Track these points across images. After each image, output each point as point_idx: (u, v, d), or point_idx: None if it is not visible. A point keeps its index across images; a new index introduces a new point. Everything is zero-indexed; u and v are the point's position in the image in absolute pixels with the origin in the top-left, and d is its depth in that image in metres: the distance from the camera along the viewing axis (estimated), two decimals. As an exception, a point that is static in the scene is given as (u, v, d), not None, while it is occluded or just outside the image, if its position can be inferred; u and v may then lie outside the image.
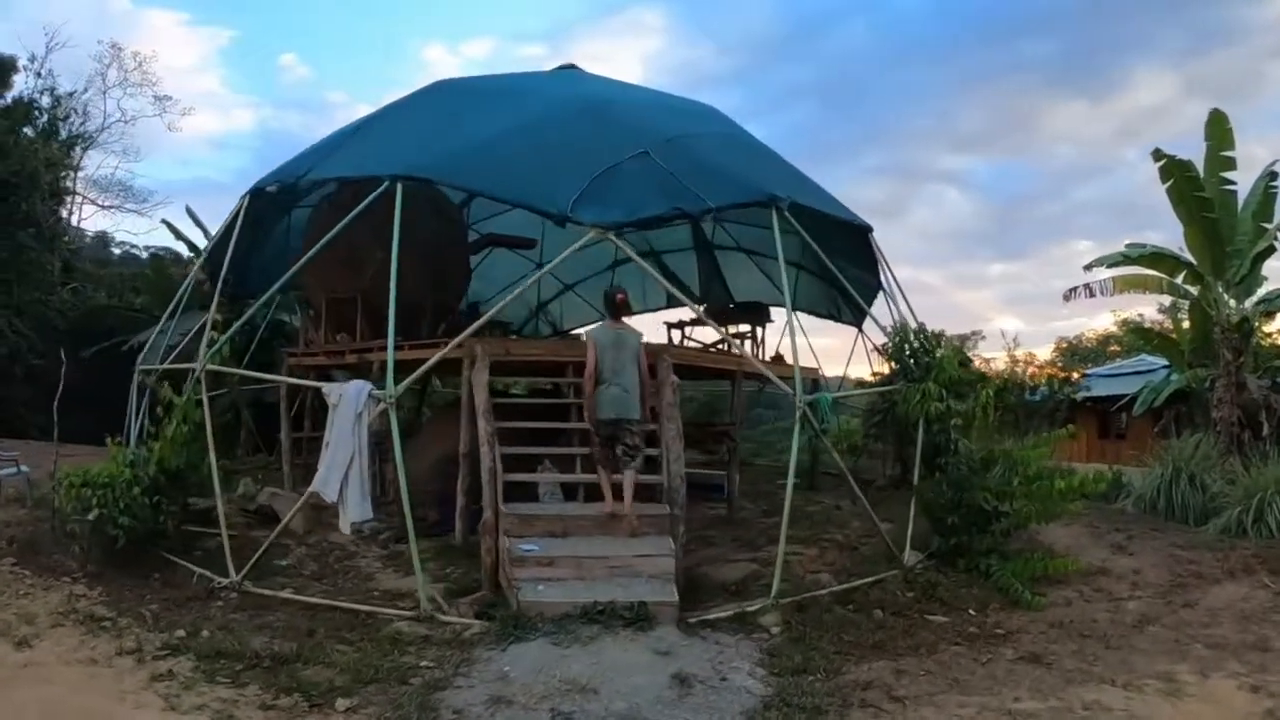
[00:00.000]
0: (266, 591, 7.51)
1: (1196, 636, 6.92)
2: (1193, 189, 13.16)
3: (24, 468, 10.38)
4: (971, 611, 7.53)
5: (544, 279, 16.94)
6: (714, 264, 15.24)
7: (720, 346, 12.74)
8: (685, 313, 15.22)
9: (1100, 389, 24.02)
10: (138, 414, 10.50)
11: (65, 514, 8.37)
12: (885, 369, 10.20)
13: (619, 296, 7.86)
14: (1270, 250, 13.54)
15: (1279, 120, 64.84)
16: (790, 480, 7.59)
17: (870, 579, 8.10)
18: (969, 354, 16.39)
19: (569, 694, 5.41)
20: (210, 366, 8.49)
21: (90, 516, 8.01)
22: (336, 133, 10.75)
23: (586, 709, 5.24)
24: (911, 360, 9.04)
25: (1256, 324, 14.61)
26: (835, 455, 8.77)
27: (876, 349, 9.72)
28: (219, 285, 9.28)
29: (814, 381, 13.71)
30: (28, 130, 17.88)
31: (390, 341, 7.31)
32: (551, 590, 6.76)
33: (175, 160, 53.10)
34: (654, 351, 8.67)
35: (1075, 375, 24.40)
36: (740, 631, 6.73)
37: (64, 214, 19.76)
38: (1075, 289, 15.37)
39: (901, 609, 7.47)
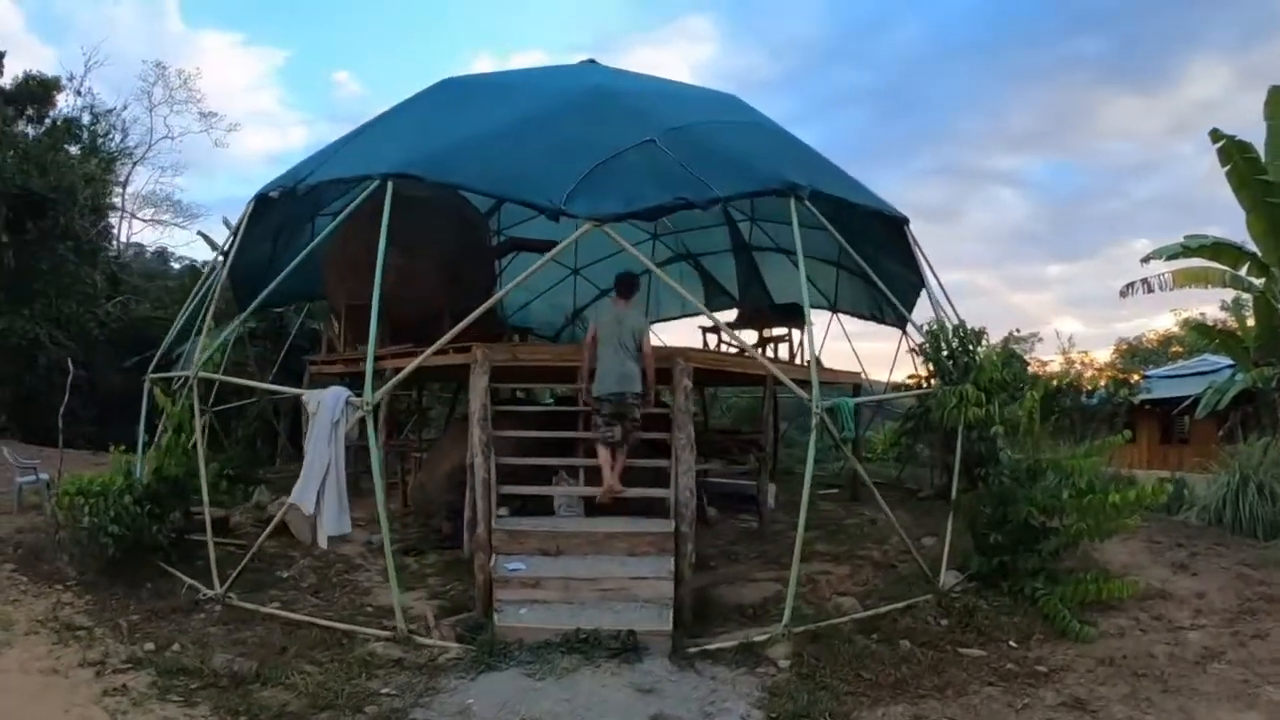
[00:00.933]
0: (249, 605, 7.15)
1: (1268, 676, 6.03)
2: (1255, 172, 12.16)
3: (43, 475, 10.36)
4: (1011, 644, 6.71)
5: (579, 284, 16.63)
6: (752, 265, 14.57)
7: (756, 350, 12.09)
8: (723, 316, 14.65)
9: (1161, 391, 22.53)
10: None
11: (59, 522, 8.22)
12: (925, 371, 9.43)
13: (627, 278, 7.75)
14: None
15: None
16: (806, 491, 6.86)
17: (900, 604, 7.31)
18: (1023, 355, 15.36)
19: (530, 734, 4.88)
20: (202, 374, 8.15)
21: (82, 525, 7.86)
22: (342, 137, 10.44)
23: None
24: (949, 361, 8.25)
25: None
26: (856, 464, 8.00)
27: (912, 350, 8.93)
28: (209, 292, 8.89)
29: (855, 387, 12.96)
30: (72, 148, 18.31)
31: (370, 347, 6.87)
32: (534, 614, 6.21)
33: (235, 178, 54.49)
34: (669, 355, 8.09)
35: (1135, 377, 22.84)
36: (743, 665, 6.04)
37: (112, 228, 20.33)
38: (1132, 285, 14.38)
39: (932, 640, 6.68)
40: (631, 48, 74.84)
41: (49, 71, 19.55)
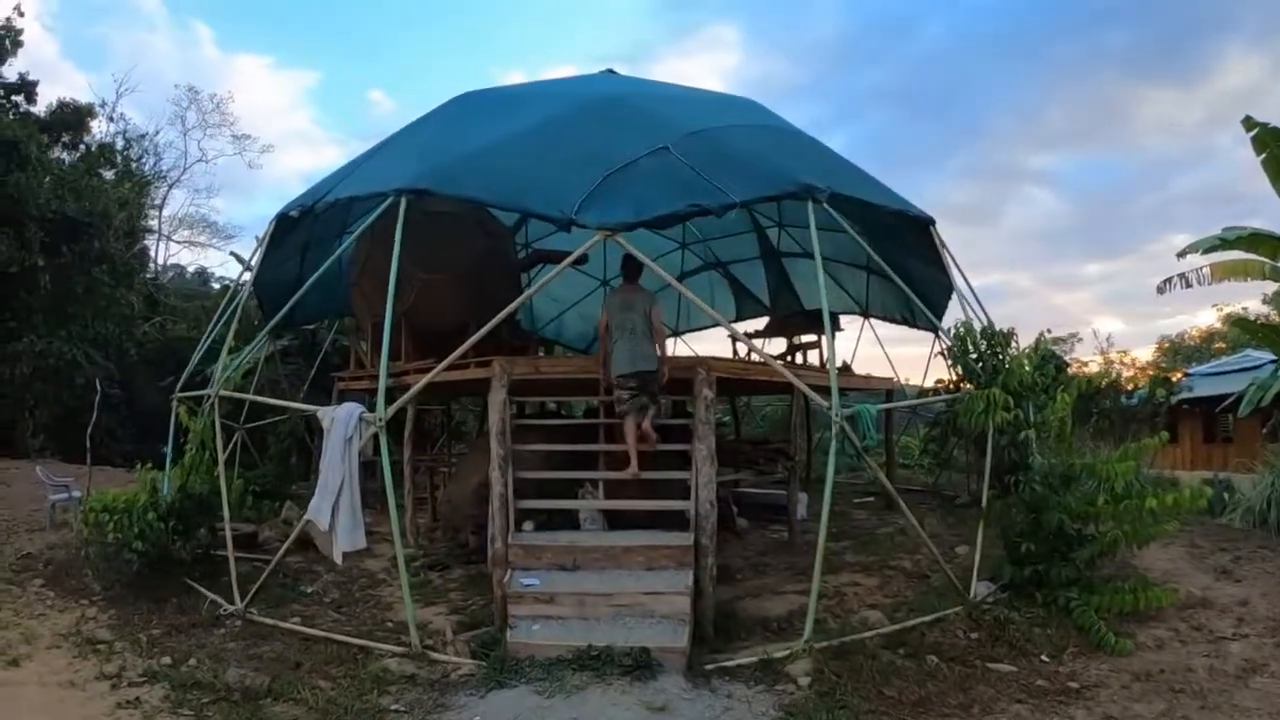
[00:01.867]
0: (268, 621, 7.20)
1: (1315, 690, 5.73)
2: (1292, 160, 11.62)
3: (75, 493, 10.57)
4: (1044, 658, 6.48)
5: (606, 295, 16.62)
6: (782, 272, 14.44)
7: (785, 358, 11.95)
8: (754, 324, 14.56)
9: (1203, 389, 21.79)
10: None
11: (85, 539, 8.36)
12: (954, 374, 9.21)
13: (631, 261, 8.03)
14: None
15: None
16: (827, 501, 6.68)
17: (929, 617, 7.11)
18: (1061, 355, 14.90)
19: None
20: (224, 393, 8.25)
21: (107, 542, 8.01)
22: (361, 154, 10.54)
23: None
24: (978, 363, 8.05)
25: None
26: (879, 472, 7.79)
27: (941, 353, 8.74)
28: (233, 311, 9.01)
29: (888, 392, 12.75)
30: (107, 173, 18.82)
31: (384, 362, 6.88)
32: (546, 630, 6.13)
33: (271, 198, 55.69)
34: (691, 365, 8.01)
35: (1176, 375, 22.12)
36: (762, 682, 5.87)
37: (149, 250, 20.79)
38: (1170, 280, 13.91)
39: (960, 654, 6.46)
40: (660, 59, 75.27)
41: (83, 98, 20.18)
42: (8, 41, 17.37)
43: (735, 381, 8.97)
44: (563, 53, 76.86)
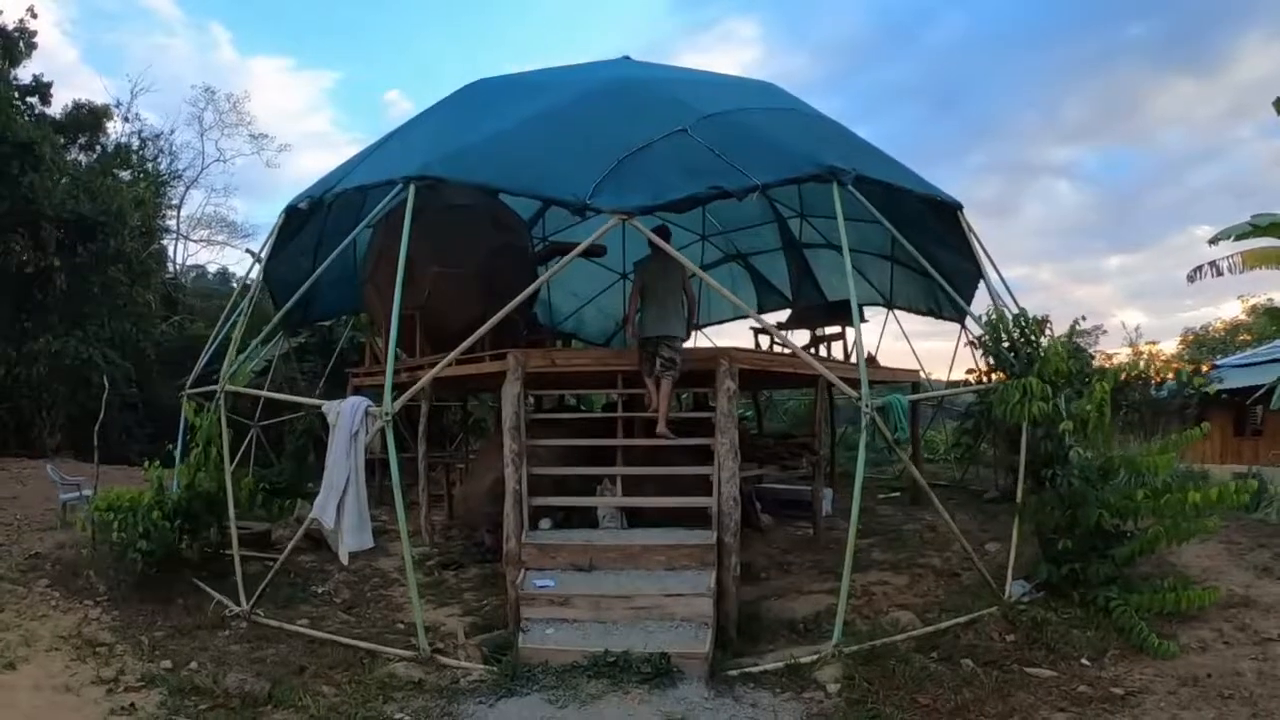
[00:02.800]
0: (273, 623, 6.96)
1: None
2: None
3: (86, 492, 10.40)
4: (1084, 662, 6.12)
5: (629, 288, 16.27)
6: (804, 263, 14.07)
7: (812, 349, 11.59)
8: (776, 317, 14.17)
9: (1232, 380, 21.01)
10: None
11: (90, 538, 8.17)
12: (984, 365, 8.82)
13: (664, 230, 8.13)
14: None
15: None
16: (857, 497, 6.34)
17: (962, 618, 6.75)
18: (1087, 348, 14.39)
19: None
20: (230, 388, 8.03)
21: (113, 541, 7.80)
22: (372, 144, 10.30)
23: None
24: (1011, 353, 7.67)
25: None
26: (912, 467, 7.43)
27: (971, 343, 8.35)
28: (243, 307, 8.79)
29: (914, 385, 12.37)
30: (124, 174, 18.71)
31: (390, 355, 6.62)
32: (561, 634, 5.85)
33: (290, 197, 55.46)
34: (713, 356, 7.70)
35: (1204, 367, 21.43)
36: (789, 689, 5.55)
37: (167, 250, 20.72)
38: (1200, 269, 13.53)
39: (997, 658, 6.12)
40: (677, 55, 75.19)
41: (101, 101, 20.01)
42: (21, 43, 17.27)
43: (758, 374, 8.64)
44: (579, 50, 76.88)
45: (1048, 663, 6.15)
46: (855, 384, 6.52)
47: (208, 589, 7.81)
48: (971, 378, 8.90)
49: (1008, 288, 9.06)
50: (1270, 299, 30.47)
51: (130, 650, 6.51)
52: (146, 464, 8.81)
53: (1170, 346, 38.42)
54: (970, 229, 9.37)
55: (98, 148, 19.18)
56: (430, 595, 7.90)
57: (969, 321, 10.26)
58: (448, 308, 10.47)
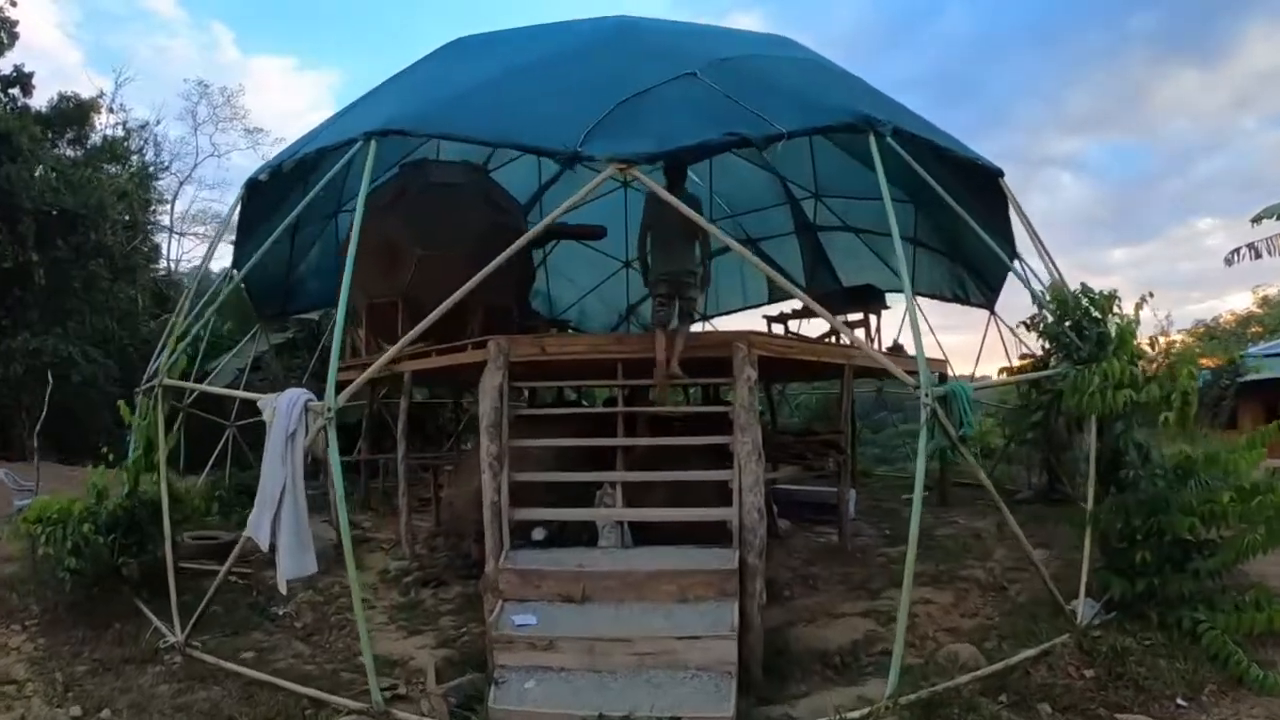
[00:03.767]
0: (209, 659, 5.65)
1: None
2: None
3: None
4: (1180, 702, 4.89)
5: (632, 276, 14.90)
6: (818, 247, 12.75)
7: (829, 338, 10.24)
8: (787, 306, 12.83)
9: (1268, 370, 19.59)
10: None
11: (16, 555, 6.91)
12: (1031, 351, 7.51)
13: (677, 169, 6.62)
14: None
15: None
16: (917, 504, 5.03)
17: (1032, 650, 5.44)
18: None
19: None
20: (169, 381, 6.75)
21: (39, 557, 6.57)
22: (344, 108, 9.01)
23: None
24: (1074, 334, 6.34)
25: None
26: (978, 467, 6.05)
27: (1024, 323, 7.00)
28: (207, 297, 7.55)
29: (940, 376, 11.01)
30: (112, 168, 17.53)
31: (336, 342, 5.31)
32: (545, 689, 4.50)
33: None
34: (729, 340, 6.39)
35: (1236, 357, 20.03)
36: (833, 751, 4.25)
37: (163, 246, 19.54)
38: (1238, 251, 12.24)
39: (1079, 701, 4.87)
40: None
41: (88, 96, 18.79)
42: (3, 34, 16.07)
43: (777, 363, 7.28)
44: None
45: (1138, 704, 4.92)
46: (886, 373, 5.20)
47: (149, 613, 6.53)
48: (1027, 363, 7.58)
49: (1054, 264, 7.67)
50: (1280, 289, 29.23)
51: (42, 690, 5.34)
52: (94, 466, 7.59)
53: (1178, 339, 37.13)
54: (1013, 199, 8.03)
55: (86, 142, 17.96)
56: (402, 620, 6.61)
57: (1006, 306, 8.92)
58: (434, 293, 9.14)
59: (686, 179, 6.39)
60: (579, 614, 4.89)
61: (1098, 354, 6.11)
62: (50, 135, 17.20)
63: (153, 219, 18.44)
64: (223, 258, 16.29)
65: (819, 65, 7.50)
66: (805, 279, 13.17)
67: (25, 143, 14.30)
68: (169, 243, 22.79)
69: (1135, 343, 6.08)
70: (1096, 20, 69.93)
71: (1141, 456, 6.14)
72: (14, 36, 16.33)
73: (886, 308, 10.67)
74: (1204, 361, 18.98)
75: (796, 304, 12.42)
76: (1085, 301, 6.42)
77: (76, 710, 4.97)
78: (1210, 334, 36.77)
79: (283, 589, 5.11)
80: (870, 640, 6.00)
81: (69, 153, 17.64)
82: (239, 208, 8.35)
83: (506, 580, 5.00)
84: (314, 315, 13.50)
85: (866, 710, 4.48)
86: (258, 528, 4.85)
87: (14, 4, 16.28)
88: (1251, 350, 23.39)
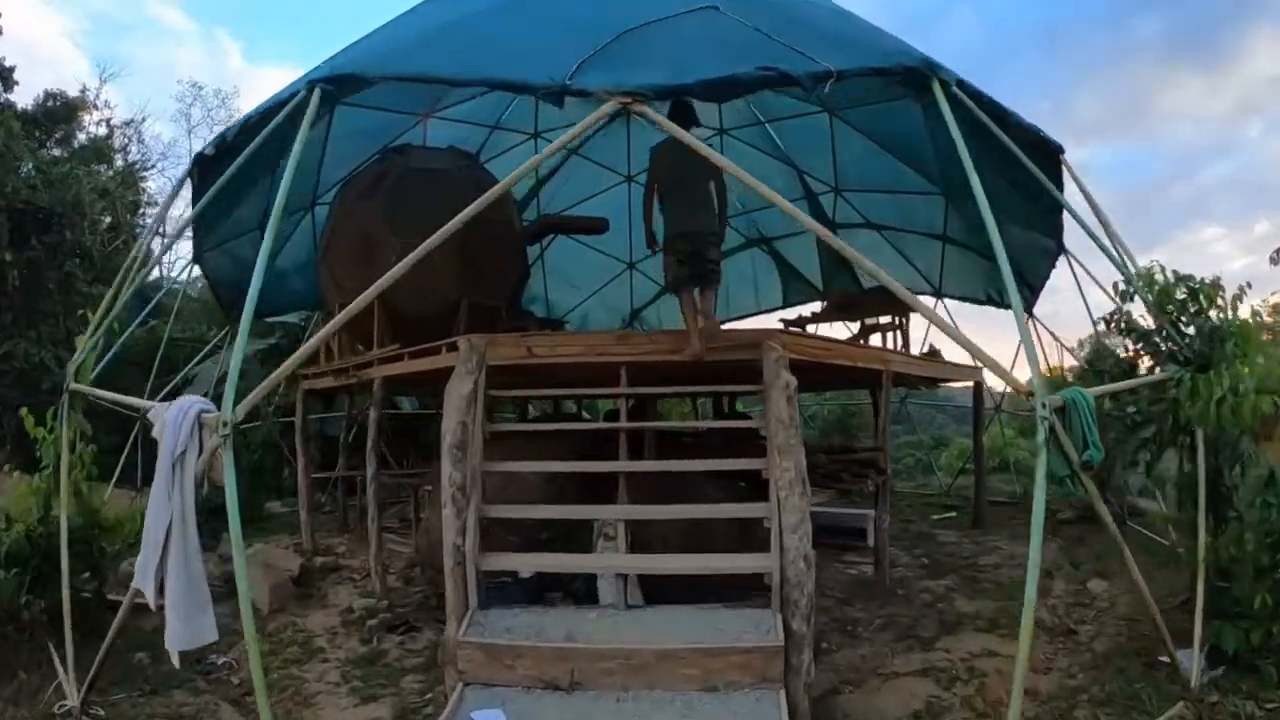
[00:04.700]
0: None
1: None
2: None
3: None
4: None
5: (636, 279, 13.51)
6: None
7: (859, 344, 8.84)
8: (806, 309, 11.47)
9: None
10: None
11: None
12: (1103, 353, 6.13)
13: (686, 100, 5.49)
14: None
15: None
16: (1035, 558, 3.63)
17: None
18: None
19: None
20: (76, 386, 5.42)
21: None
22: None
23: None
24: (1175, 330, 4.97)
25: None
26: (1096, 497, 4.57)
27: (1108, 319, 5.60)
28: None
29: (977, 385, 9.64)
30: (101, 167, 16.27)
31: (240, 344, 3.94)
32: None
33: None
34: (757, 340, 5.03)
35: None
36: None
37: (155, 250, 18.10)
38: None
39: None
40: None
41: (118, 115, 17.61)
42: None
43: (807, 369, 5.88)
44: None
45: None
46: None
47: (58, 663, 5.16)
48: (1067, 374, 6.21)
49: (1129, 254, 6.23)
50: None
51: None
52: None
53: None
54: (1077, 178, 6.69)
55: (74, 141, 16.69)
56: (357, 679, 5.24)
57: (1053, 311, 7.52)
58: (416, 290, 7.85)
59: (696, 124, 5.07)
60: (565, 708, 3.47)
61: (1208, 354, 4.73)
62: (38, 134, 15.98)
63: (141, 222, 17.11)
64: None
65: (853, 15, 6.12)
66: (823, 281, 11.83)
67: (1, 137, 13.00)
68: (164, 247, 21.44)
69: (1264, 338, 4.70)
70: (1101, 26, 68.67)
71: (1263, 479, 4.77)
72: (-4, 29, 15.03)
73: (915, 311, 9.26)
74: None
75: (815, 306, 11.11)
76: (1183, 292, 5.03)
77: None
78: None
79: (175, 661, 3.72)
80: (935, 711, 4.65)
81: (56, 152, 16.37)
82: (191, 190, 6.99)
83: (469, 658, 3.60)
84: (294, 319, 12.13)
85: None
86: (144, 575, 3.48)
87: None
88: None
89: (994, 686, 5.01)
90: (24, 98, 15.83)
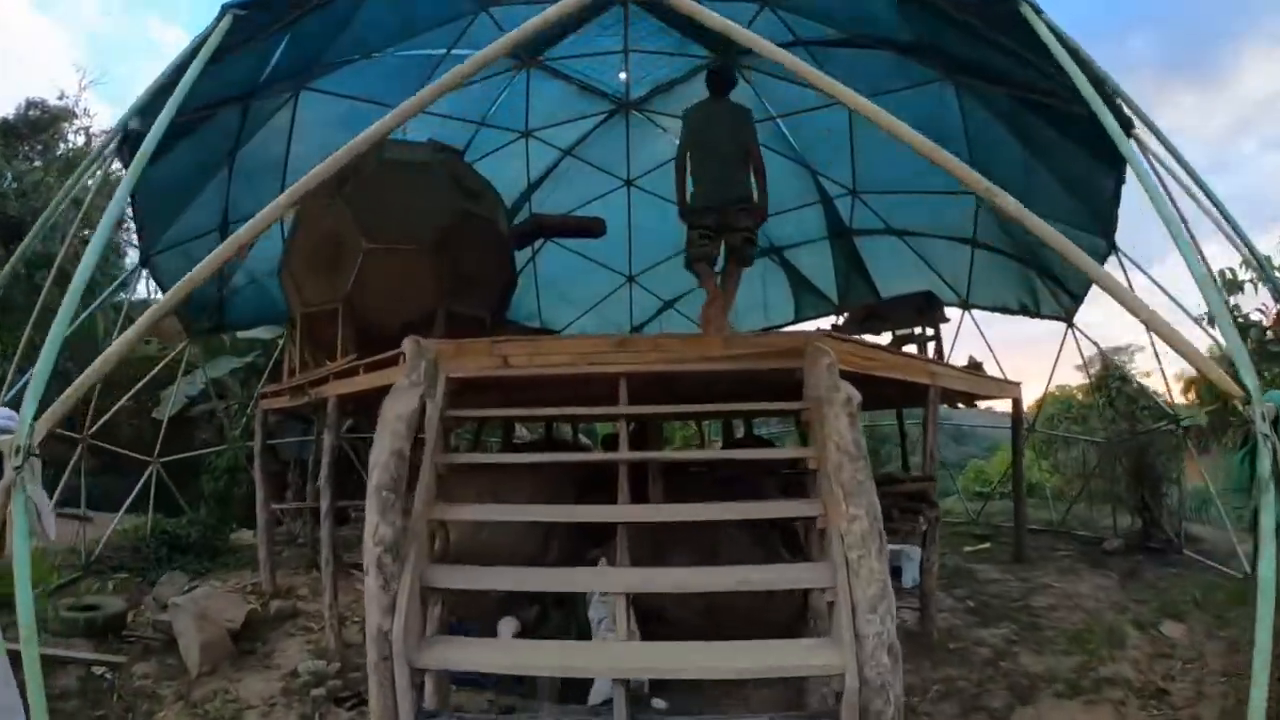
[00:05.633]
0: None
1: None
2: None
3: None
4: None
5: (636, 294, 12.28)
6: (854, 255, 10.17)
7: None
8: (825, 323, 10.26)
9: None
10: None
11: None
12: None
13: (722, 70, 5.45)
14: None
15: None
16: (1267, 627, 2.38)
17: None
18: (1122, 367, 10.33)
19: None
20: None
21: None
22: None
23: None
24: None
25: None
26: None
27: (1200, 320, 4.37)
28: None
29: (1014, 402, 8.38)
30: (90, 180, 15.17)
31: (49, 356, 2.75)
32: None
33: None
34: (799, 345, 3.75)
35: None
36: None
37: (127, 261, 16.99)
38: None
39: None
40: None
41: (99, 124, 16.42)
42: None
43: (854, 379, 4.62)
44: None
45: None
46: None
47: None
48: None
49: (1253, 249, 4.96)
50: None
51: None
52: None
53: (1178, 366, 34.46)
54: (1151, 153, 5.48)
55: (56, 151, 15.54)
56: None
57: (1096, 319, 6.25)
58: (386, 297, 6.68)
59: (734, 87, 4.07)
60: None
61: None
62: (20, 145, 14.86)
63: (125, 238, 15.97)
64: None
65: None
66: (839, 292, 10.60)
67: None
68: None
69: None
70: (1095, 42, 68.20)
71: None
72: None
73: (946, 320, 8.03)
74: None
75: (824, 322, 9.94)
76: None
77: None
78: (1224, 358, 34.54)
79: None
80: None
81: (39, 163, 15.24)
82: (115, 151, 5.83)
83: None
84: (263, 333, 10.88)
85: None
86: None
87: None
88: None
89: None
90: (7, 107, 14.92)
